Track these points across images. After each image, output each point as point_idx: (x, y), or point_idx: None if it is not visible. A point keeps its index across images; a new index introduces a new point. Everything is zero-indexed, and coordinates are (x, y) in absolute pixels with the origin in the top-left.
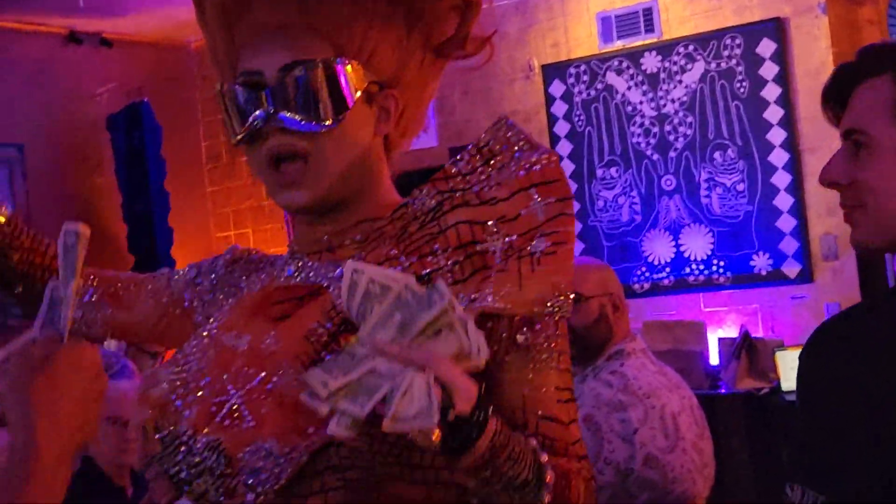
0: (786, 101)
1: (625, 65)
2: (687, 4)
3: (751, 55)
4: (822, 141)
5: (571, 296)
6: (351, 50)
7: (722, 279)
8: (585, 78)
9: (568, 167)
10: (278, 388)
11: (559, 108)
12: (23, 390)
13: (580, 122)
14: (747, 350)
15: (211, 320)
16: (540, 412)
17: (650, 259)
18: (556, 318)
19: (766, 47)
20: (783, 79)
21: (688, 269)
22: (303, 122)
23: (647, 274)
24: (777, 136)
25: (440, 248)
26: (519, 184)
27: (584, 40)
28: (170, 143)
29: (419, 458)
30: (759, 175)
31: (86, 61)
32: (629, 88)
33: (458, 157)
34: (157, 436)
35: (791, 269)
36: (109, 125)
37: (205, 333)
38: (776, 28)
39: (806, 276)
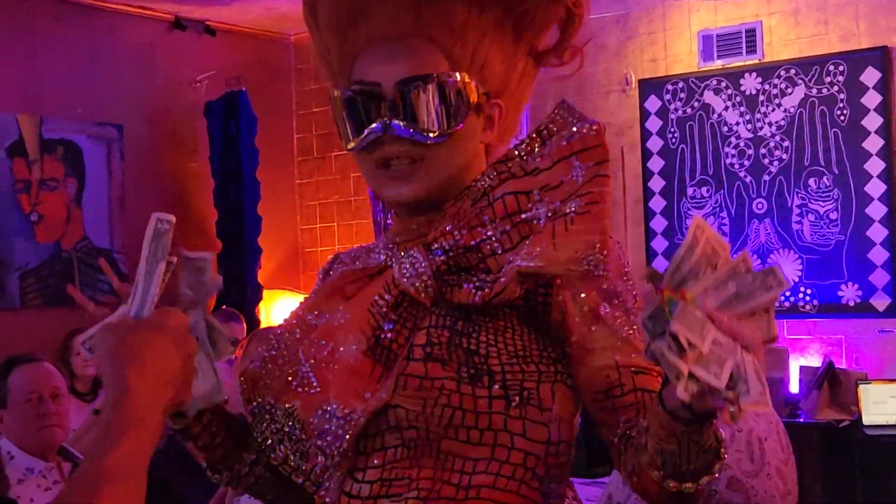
0: (887, 131)
1: (723, 84)
2: (792, 28)
3: (854, 83)
4: None
5: (606, 252)
6: (464, 61)
7: (808, 307)
8: (682, 95)
9: (658, 184)
10: (342, 356)
11: (653, 124)
12: (114, 350)
13: (674, 139)
14: (830, 381)
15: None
16: (633, 368)
17: None
18: (626, 291)
19: (871, 76)
20: (886, 108)
21: None
22: (417, 134)
23: None
24: (875, 166)
25: (488, 218)
26: (560, 153)
27: (683, 57)
28: (264, 133)
29: (474, 420)
30: (853, 204)
31: (188, 48)
32: (726, 108)
33: (520, 142)
34: (247, 408)
35: (880, 301)
36: (207, 112)
37: (293, 314)
38: (882, 57)
39: (895, 311)
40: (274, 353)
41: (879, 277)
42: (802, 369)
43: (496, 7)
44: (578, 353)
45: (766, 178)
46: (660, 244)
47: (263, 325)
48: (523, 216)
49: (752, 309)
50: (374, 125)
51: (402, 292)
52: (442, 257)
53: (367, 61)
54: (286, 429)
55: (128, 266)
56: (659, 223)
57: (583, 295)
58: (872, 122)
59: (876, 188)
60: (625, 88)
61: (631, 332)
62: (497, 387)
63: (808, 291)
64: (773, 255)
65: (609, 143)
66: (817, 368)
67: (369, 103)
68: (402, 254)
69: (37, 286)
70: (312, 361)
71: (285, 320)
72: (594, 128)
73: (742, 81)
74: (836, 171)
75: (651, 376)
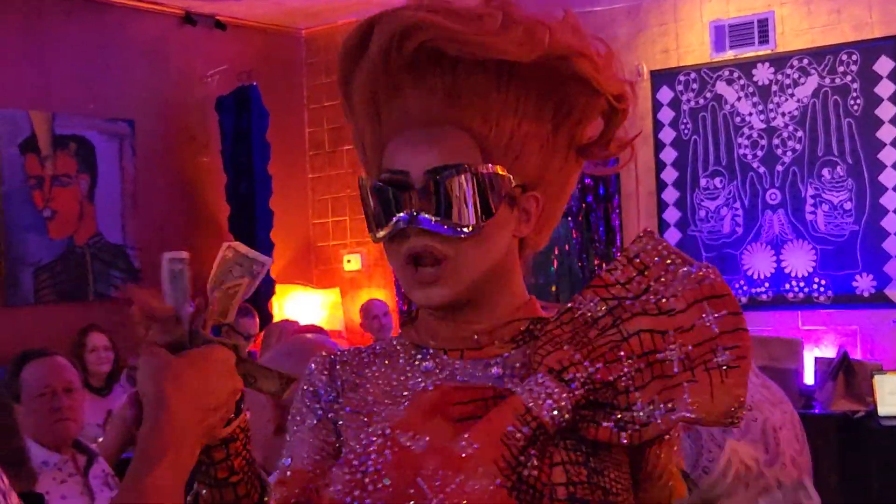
0: None
1: (736, 75)
2: (804, 17)
3: (867, 72)
4: None
5: (745, 409)
6: (498, 150)
7: (822, 298)
8: (695, 86)
9: (671, 175)
10: (479, 493)
11: (666, 115)
12: (156, 372)
13: (686, 131)
14: (845, 371)
15: (376, 420)
16: (674, 492)
17: (749, 273)
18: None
19: (884, 65)
20: None
21: (787, 286)
22: (445, 227)
23: (745, 288)
24: (889, 155)
25: (625, 355)
26: (693, 296)
27: (695, 48)
28: (275, 127)
29: None
30: (867, 194)
31: (199, 43)
32: (739, 99)
33: (612, 267)
34: None
35: (895, 292)
36: (218, 106)
37: (377, 432)
38: (895, 46)
39: None
40: (359, 476)
41: (894, 268)
42: (817, 360)
43: (534, 95)
44: (647, 479)
45: (780, 168)
46: (673, 236)
47: (276, 319)
48: (658, 356)
49: None
50: (400, 215)
51: (541, 424)
52: (580, 391)
53: (396, 148)
54: None
55: (140, 262)
56: (672, 214)
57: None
58: (886, 111)
59: (890, 178)
60: (637, 80)
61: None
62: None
63: (823, 282)
64: (787, 246)
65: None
66: (832, 359)
67: (397, 193)
68: (529, 381)
69: (50, 282)
70: (442, 496)
71: (363, 436)
72: (717, 273)
73: (754, 72)
74: (850, 161)
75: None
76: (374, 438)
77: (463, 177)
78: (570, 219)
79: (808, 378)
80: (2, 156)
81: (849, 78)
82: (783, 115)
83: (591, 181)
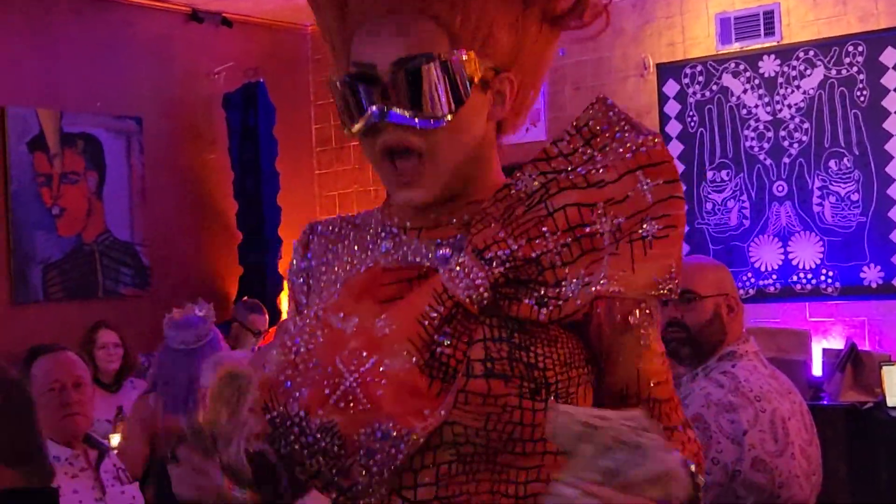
0: None
1: (742, 67)
2: (810, 9)
3: (873, 63)
4: None
5: (679, 279)
6: (466, 35)
7: (830, 289)
8: (701, 79)
9: (678, 167)
10: (393, 371)
11: (672, 108)
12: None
13: (693, 123)
14: (853, 363)
15: (317, 301)
16: (652, 381)
17: (757, 265)
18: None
19: (890, 56)
20: None
21: (795, 278)
22: (417, 119)
23: (752, 280)
24: None
25: (549, 230)
26: (626, 166)
27: (701, 40)
28: (282, 123)
29: (531, 433)
30: (874, 185)
31: (206, 40)
32: (745, 91)
33: (559, 138)
34: (266, 416)
35: None
36: (225, 103)
37: (311, 315)
38: None
39: None
40: (293, 357)
41: None
42: (825, 352)
43: None
44: (605, 360)
45: (787, 160)
46: None
47: (285, 316)
48: (586, 230)
49: (631, 483)
50: (372, 110)
51: (456, 304)
52: (499, 268)
53: (362, 40)
54: (322, 444)
55: (149, 258)
56: None
57: (618, 304)
58: (893, 102)
59: None
60: (643, 73)
61: (653, 337)
62: (552, 398)
63: (830, 274)
64: (795, 238)
65: None
66: (840, 351)
67: (366, 87)
68: (451, 260)
69: (59, 279)
70: (356, 375)
71: (299, 318)
72: (658, 140)
73: (760, 64)
74: (857, 153)
75: (667, 385)
76: (308, 320)
77: (431, 66)
78: None
79: (817, 369)
80: (11, 154)
81: (855, 69)
82: (789, 106)
83: None
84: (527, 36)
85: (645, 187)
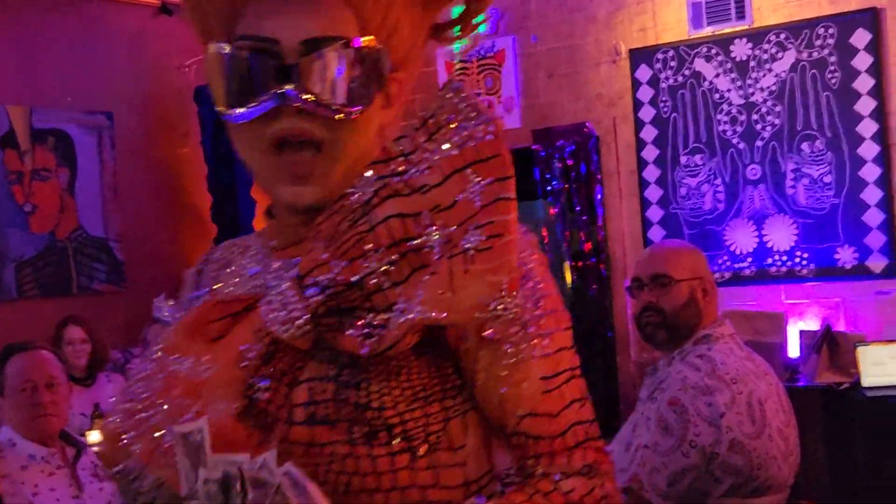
0: (878, 92)
1: (714, 51)
2: None
3: (844, 45)
4: None
5: (516, 294)
6: (374, 23)
7: (805, 271)
8: (673, 63)
9: (652, 153)
10: (212, 421)
11: (645, 94)
12: None
13: (666, 108)
14: (828, 344)
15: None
16: (519, 412)
17: (732, 248)
18: (526, 297)
19: (861, 38)
20: (877, 70)
21: (770, 260)
22: (325, 108)
23: (728, 263)
24: (868, 128)
25: (372, 247)
26: (452, 164)
27: (673, 25)
28: None
29: (375, 483)
30: (847, 167)
31: (176, 33)
32: (717, 76)
33: (402, 134)
34: (112, 470)
35: (877, 263)
36: (197, 96)
37: (153, 357)
38: (872, 18)
39: (891, 272)
40: (132, 405)
41: (875, 239)
42: (801, 333)
43: None
44: (468, 379)
45: (759, 143)
46: (655, 213)
47: None
48: (413, 244)
49: None
50: (271, 93)
51: (275, 340)
52: (319, 297)
53: (259, 12)
54: (157, 501)
55: (123, 253)
56: (653, 192)
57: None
58: (864, 83)
59: (869, 150)
60: (615, 59)
61: (524, 353)
62: (398, 440)
63: (805, 256)
64: (769, 221)
65: (601, 114)
66: (816, 332)
67: (266, 64)
68: (270, 279)
69: (33, 276)
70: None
71: (146, 356)
72: (491, 129)
73: (732, 48)
74: (829, 135)
75: (546, 420)
76: (148, 363)
77: (345, 51)
78: (551, 199)
79: (793, 351)
80: None
81: (826, 51)
82: (762, 90)
83: (573, 161)
84: (419, 39)
85: (474, 187)
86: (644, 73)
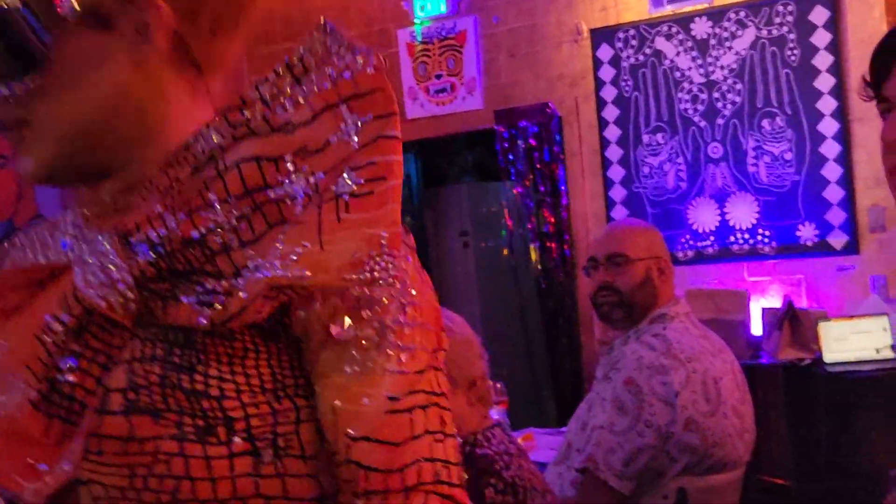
0: (837, 69)
1: (674, 30)
2: None
3: (803, 23)
4: (872, 111)
5: (397, 255)
6: None
7: (767, 249)
8: (634, 43)
9: (614, 132)
10: (6, 411)
11: (607, 73)
12: None
13: (627, 88)
14: (790, 321)
15: None
16: (353, 432)
17: (694, 227)
18: (391, 298)
19: (819, 15)
20: (835, 47)
21: (732, 238)
22: None
23: (690, 242)
24: (827, 105)
25: (217, 197)
26: (324, 100)
27: (633, 4)
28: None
29: (210, 491)
30: (807, 144)
31: None
32: (678, 54)
33: (263, 79)
34: None
35: (837, 240)
36: None
37: None
38: None
39: (852, 248)
40: None
41: (836, 216)
42: (764, 311)
43: None
44: (312, 382)
45: (721, 121)
46: (618, 193)
47: None
48: (271, 194)
49: None
50: None
51: (87, 310)
52: (149, 256)
53: None
54: None
55: None
56: (616, 172)
57: (317, 305)
58: (823, 61)
59: (829, 127)
60: (577, 38)
61: (374, 362)
62: (239, 439)
63: (767, 233)
64: (731, 199)
65: (563, 94)
66: (778, 309)
67: None
68: (88, 246)
69: None
70: None
71: None
72: (371, 61)
73: (692, 26)
74: (789, 112)
75: (377, 445)
76: None
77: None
78: (515, 180)
79: (756, 329)
80: None
81: (785, 29)
82: (722, 68)
83: (536, 142)
84: None
85: (350, 127)
86: (605, 52)
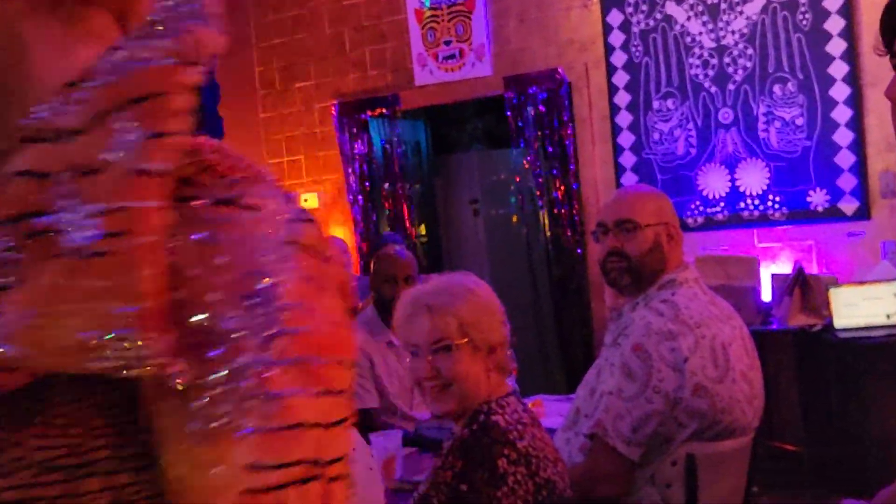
0: (849, 34)
1: None
2: None
3: None
4: (884, 75)
5: (157, 336)
6: None
7: (777, 215)
8: (644, 7)
9: (624, 99)
10: None
11: (617, 38)
12: None
13: (637, 53)
14: (801, 286)
15: None
16: None
17: (705, 193)
18: (250, 329)
19: None
20: (847, 11)
21: (742, 204)
22: None
23: (701, 208)
24: (839, 69)
25: None
26: (107, 99)
27: None
28: (223, 67)
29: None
30: (818, 109)
31: None
32: (688, 19)
33: (115, 46)
34: None
35: (848, 205)
36: None
37: None
38: None
39: (863, 213)
40: None
41: (847, 181)
42: (774, 277)
43: None
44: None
45: (731, 87)
46: (628, 159)
47: None
48: (38, 224)
49: None
50: None
51: None
52: None
53: None
54: None
55: None
56: (626, 138)
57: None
58: (835, 25)
59: (840, 92)
60: (586, 4)
61: (226, 421)
62: None
63: (777, 199)
64: (742, 165)
65: (573, 59)
66: (788, 275)
67: None
68: None
69: None
70: None
71: None
72: (182, 46)
73: None
74: (801, 77)
75: None
76: None
77: None
78: (524, 147)
79: (766, 295)
80: None
81: None
82: (733, 32)
83: (545, 108)
84: None
85: (122, 145)
86: (615, 17)
